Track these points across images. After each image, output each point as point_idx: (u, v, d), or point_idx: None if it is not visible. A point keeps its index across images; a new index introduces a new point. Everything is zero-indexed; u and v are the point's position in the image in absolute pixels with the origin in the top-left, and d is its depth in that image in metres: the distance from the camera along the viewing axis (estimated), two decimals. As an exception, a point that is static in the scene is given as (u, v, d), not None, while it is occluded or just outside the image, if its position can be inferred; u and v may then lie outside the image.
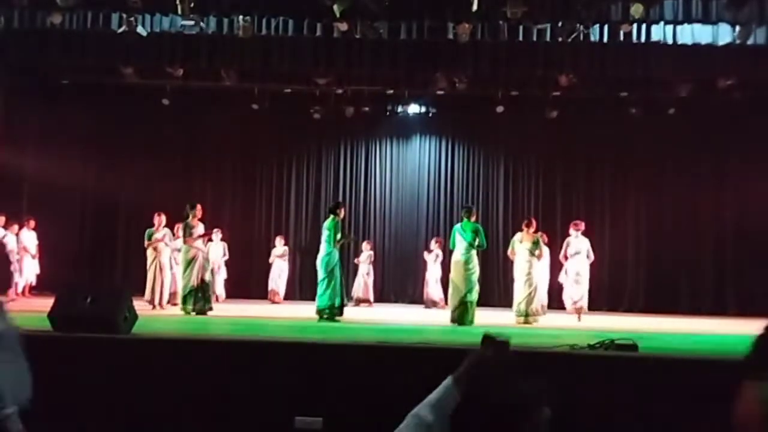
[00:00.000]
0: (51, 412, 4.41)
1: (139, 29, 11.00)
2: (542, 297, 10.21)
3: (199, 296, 9.51)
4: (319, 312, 8.94)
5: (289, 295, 13.73)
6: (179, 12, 10.48)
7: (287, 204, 14.92)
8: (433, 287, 12.94)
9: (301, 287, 14.28)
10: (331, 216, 9.33)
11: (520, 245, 9.65)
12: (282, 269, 13.43)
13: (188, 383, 4.55)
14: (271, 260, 13.45)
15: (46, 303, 5.72)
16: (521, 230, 9.87)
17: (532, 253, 9.51)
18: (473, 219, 9.36)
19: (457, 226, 9.45)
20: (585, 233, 10.57)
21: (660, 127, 13.48)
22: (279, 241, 13.56)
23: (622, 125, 13.59)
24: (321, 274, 9.08)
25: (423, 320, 9.93)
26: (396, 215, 14.88)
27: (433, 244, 13.23)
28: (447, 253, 13.48)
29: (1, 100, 12.55)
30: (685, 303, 13.24)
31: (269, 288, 13.34)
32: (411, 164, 15.03)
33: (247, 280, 13.87)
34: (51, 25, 10.84)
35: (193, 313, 9.33)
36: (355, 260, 13.47)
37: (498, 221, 14.61)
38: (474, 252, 9.09)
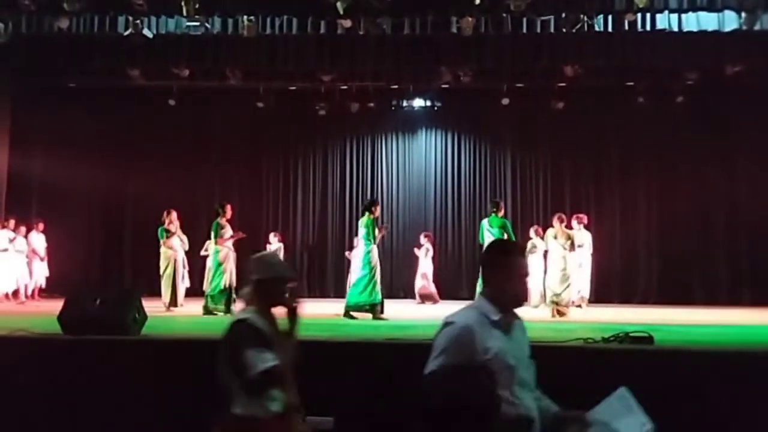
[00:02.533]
0: (62, 414, 4.41)
1: (145, 31, 11.06)
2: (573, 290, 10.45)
3: (230, 297, 9.38)
4: (353, 308, 8.86)
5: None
6: (184, 13, 10.52)
7: (294, 201, 14.92)
8: (425, 282, 12.95)
9: (309, 284, 14.28)
10: (367, 214, 9.27)
11: (554, 241, 9.96)
12: None
13: (198, 383, 4.53)
14: None
15: (56, 305, 5.71)
16: (552, 226, 10.17)
17: (565, 248, 9.89)
18: (501, 214, 9.53)
19: (484, 221, 9.65)
20: (596, 225, 10.60)
21: (668, 115, 13.35)
22: (273, 238, 13.31)
23: (630, 115, 13.48)
24: (361, 271, 9.06)
25: (435, 315, 9.85)
26: (403, 210, 14.86)
27: (422, 239, 13.26)
28: (437, 247, 13.56)
29: (10, 104, 12.63)
30: (700, 294, 13.13)
31: None
32: (417, 158, 15.00)
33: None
34: (58, 30, 10.90)
35: (221, 314, 9.19)
36: (347, 254, 13.47)
37: (506, 214, 14.52)
38: None
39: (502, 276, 2.67)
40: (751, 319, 8.85)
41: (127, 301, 5.51)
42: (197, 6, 10.38)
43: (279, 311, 3.18)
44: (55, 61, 11.76)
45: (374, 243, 9.14)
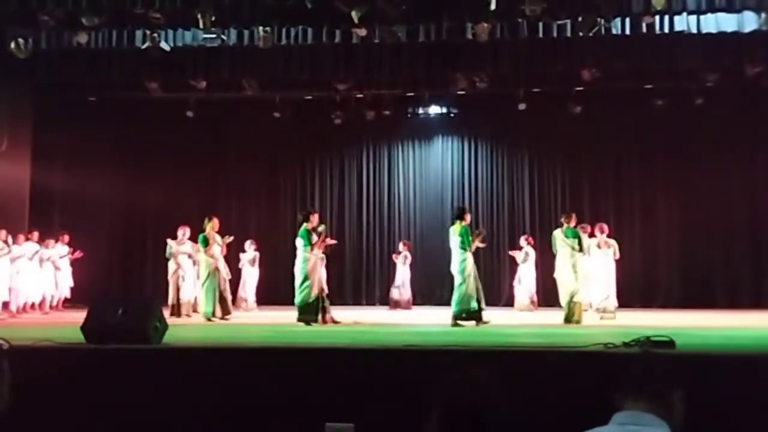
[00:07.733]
0: (85, 422, 4.46)
1: (162, 44, 11.18)
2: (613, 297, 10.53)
3: (320, 306, 9.03)
4: (456, 317, 8.80)
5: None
6: (201, 26, 10.61)
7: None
8: (402, 289, 12.93)
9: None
10: (458, 221, 9.14)
11: (598, 251, 10.12)
12: (249, 274, 12.87)
13: (219, 391, 4.56)
14: (240, 265, 12.88)
15: (80, 316, 5.80)
16: (594, 236, 10.40)
17: (607, 255, 10.14)
18: (573, 224, 9.61)
19: (558, 232, 9.68)
20: (617, 230, 10.72)
21: (688, 118, 13.23)
22: (249, 246, 13.01)
23: (649, 118, 13.37)
24: (458, 279, 8.94)
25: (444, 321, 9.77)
26: (420, 217, 14.85)
27: (401, 247, 13.29)
28: (416, 255, 13.55)
29: (32, 119, 12.84)
30: (722, 297, 12.97)
31: (238, 295, 12.70)
32: (434, 165, 15.00)
33: (275, 287, 13.92)
34: (77, 45, 11.06)
35: (313, 324, 8.81)
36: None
37: (524, 220, 14.48)
38: (578, 255, 9.42)
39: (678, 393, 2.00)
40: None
41: (148, 311, 5.59)
42: (213, 18, 10.49)
43: None
44: (75, 75, 11.95)
45: (470, 250, 8.97)
